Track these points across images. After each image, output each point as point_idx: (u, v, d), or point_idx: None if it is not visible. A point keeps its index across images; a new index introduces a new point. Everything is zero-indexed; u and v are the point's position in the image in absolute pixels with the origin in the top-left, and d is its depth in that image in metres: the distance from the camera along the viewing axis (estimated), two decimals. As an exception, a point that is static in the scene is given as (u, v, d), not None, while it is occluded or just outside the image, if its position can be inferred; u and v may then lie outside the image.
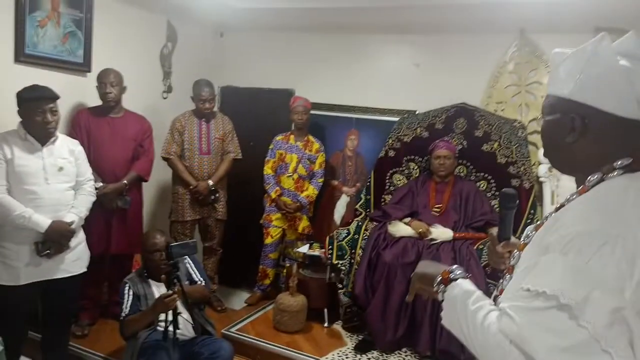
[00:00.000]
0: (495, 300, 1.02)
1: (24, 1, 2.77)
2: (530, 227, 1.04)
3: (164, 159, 3.49)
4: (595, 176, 0.93)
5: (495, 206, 3.16)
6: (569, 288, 0.79)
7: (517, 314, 0.84)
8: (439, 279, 1.03)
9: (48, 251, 2.37)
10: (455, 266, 1.04)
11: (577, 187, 0.99)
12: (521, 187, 3.13)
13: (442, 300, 1.01)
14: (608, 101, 0.90)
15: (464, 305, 0.94)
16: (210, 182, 3.47)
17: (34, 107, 2.33)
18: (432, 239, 2.94)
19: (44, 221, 2.32)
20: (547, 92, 1.01)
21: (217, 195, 3.52)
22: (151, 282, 2.56)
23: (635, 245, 0.80)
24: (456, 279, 1.01)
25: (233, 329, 3.05)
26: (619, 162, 0.91)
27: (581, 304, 0.78)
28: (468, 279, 1.01)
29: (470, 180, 3.32)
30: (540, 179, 3.22)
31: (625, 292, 0.78)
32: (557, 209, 1.00)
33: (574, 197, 0.98)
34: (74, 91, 3.11)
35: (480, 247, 2.85)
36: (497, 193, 3.25)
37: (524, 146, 3.19)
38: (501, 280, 1.06)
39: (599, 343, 0.76)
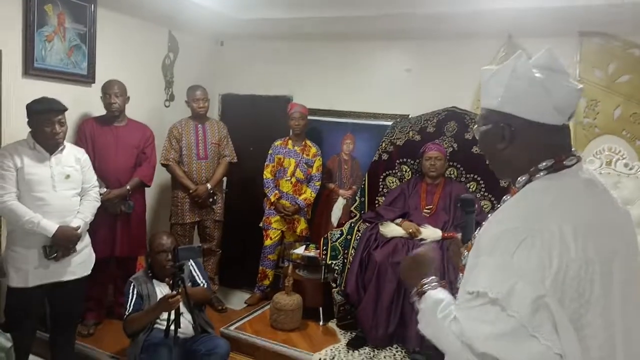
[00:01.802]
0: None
1: (32, 18, 2.93)
2: (478, 230, 1.13)
3: (163, 165, 3.63)
4: (523, 178, 1.04)
5: (485, 207, 3.26)
6: (496, 283, 0.91)
7: (460, 313, 0.97)
8: (414, 290, 1.15)
9: (55, 254, 2.51)
10: (431, 278, 1.14)
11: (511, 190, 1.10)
12: (510, 187, 3.22)
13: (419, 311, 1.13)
14: (529, 110, 1.02)
15: (433, 315, 1.05)
16: (209, 186, 3.63)
17: (43, 118, 2.47)
18: (422, 239, 3.05)
19: (51, 226, 2.46)
20: (481, 106, 1.13)
21: (215, 197, 3.68)
22: (155, 282, 2.68)
23: (552, 238, 0.90)
24: (426, 291, 1.12)
25: (231, 328, 3.17)
26: (543, 164, 1.01)
27: (507, 296, 0.89)
28: (439, 288, 1.12)
29: (460, 182, 3.43)
30: (528, 180, 3.30)
31: (546, 281, 0.88)
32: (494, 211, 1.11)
33: (507, 198, 1.10)
34: (79, 101, 3.26)
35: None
36: (487, 194, 3.36)
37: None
38: (458, 279, 1.17)
39: (526, 329, 0.87)
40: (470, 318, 0.94)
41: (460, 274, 1.15)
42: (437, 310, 1.04)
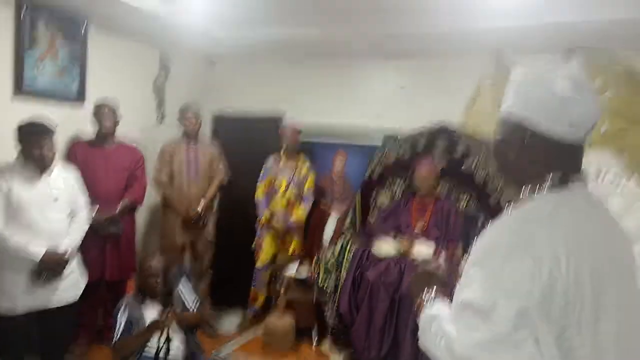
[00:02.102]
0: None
1: (23, 38, 2.93)
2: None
3: (154, 185, 3.61)
4: (526, 192, 1.03)
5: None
6: (482, 295, 0.92)
7: (450, 324, 0.99)
8: (415, 307, 1.17)
9: (43, 279, 2.47)
10: (428, 293, 1.16)
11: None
12: (499, 205, 3.24)
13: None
14: (544, 122, 0.99)
15: (428, 330, 1.07)
16: (199, 207, 3.60)
17: (32, 140, 2.45)
18: (414, 260, 3.03)
19: (38, 250, 2.43)
20: (501, 108, 1.09)
21: (206, 218, 3.65)
22: (145, 305, 2.63)
23: (544, 253, 0.90)
24: (425, 308, 1.14)
25: (223, 353, 3.11)
26: (549, 180, 1.00)
27: (490, 308, 0.90)
28: (435, 303, 1.13)
29: (451, 199, 3.44)
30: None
31: (534, 294, 0.88)
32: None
33: (506, 211, 1.07)
34: (70, 122, 3.25)
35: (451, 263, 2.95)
36: (478, 210, 3.37)
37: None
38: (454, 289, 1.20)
39: (507, 342, 0.88)
40: (458, 326, 0.96)
41: (458, 282, 1.16)
42: (431, 325, 1.06)
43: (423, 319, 1.11)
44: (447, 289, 1.19)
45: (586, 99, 0.99)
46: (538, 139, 1.00)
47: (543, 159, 1.02)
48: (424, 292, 1.18)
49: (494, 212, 3.09)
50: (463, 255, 1.35)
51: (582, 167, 1.05)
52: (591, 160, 3.23)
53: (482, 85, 3.63)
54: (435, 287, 1.19)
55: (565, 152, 1.01)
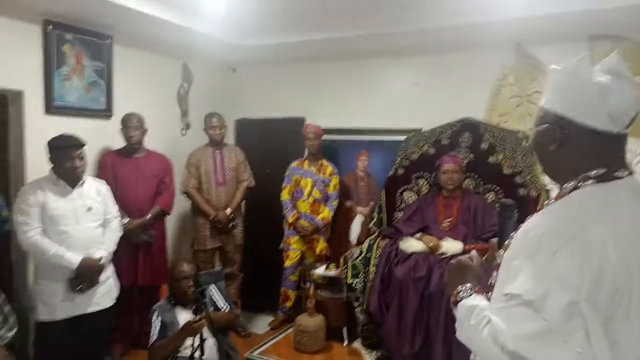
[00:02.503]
0: (486, 296, 1.15)
1: (51, 59, 3.06)
2: (514, 232, 1.13)
3: (183, 192, 3.70)
4: (571, 184, 1.03)
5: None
6: (532, 286, 0.91)
7: (497, 315, 0.98)
8: (452, 299, 1.16)
9: (81, 286, 2.57)
10: (465, 286, 1.14)
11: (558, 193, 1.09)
12: (528, 196, 3.18)
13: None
14: (582, 114, 1.00)
15: (468, 322, 1.05)
16: (228, 211, 3.66)
17: (63, 154, 2.56)
18: (442, 253, 3.01)
19: (75, 259, 2.53)
20: (540, 104, 1.12)
21: (235, 222, 3.71)
22: (178, 309, 2.70)
23: (593, 244, 0.90)
24: (462, 299, 1.12)
25: (255, 352, 3.16)
26: (593, 172, 1.00)
27: (541, 300, 0.89)
28: (473, 295, 1.12)
29: (478, 193, 3.39)
30: (547, 187, 3.25)
31: (583, 286, 0.88)
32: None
33: (550, 203, 1.09)
34: (99, 135, 3.37)
35: (487, 257, 2.90)
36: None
37: (528, 156, 3.25)
38: (492, 278, 1.17)
39: (557, 334, 0.87)
40: (505, 318, 0.95)
41: (495, 272, 1.15)
42: (470, 316, 1.05)
43: (461, 311, 1.10)
44: (482, 281, 1.18)
45: (624, 89, 0.99)
46: (578, 131, 1.01)
47: (585, 151, 1.02)
48: (459, 284, 1.17)
49: (524, 205, 3.04)
50: (499, 248, 1.33)
51: (626, 157, 1.04)
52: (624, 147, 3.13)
53: (505, 77, 3.57)
54: (470, 279, 1.18)
55: (607, 144, 1.01)
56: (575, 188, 1.02)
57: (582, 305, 0.87)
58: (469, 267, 1.22)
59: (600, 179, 1.00)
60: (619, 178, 1.00)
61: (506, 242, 1.16)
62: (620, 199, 0.98)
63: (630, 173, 1.02)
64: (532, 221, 1.04)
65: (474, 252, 1.29)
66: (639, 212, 0.98)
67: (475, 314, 1.04)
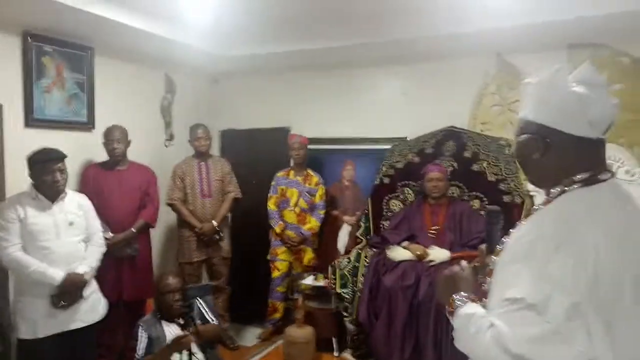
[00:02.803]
0: (480, 301, 1.16)
1: (31, 70, 3.00)
2: (506, 237, 1.17)
3: (168, 204, 3.65)
4: (557, 189, 1.07)
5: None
6: (533, 290, 0.93)
7: (499, 320, 0.98)
8: (447, 310, 1.16)
9: (63, 303, 2.50)
10: (459, 295, 1.15)
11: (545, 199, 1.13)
12: (513, 203, 3.23)
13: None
14: (564, 123, 1.05)
15: (467, 330, 1.06)
16: (215, 223, 3.62)
17: (43, 168, 2.49)
18: (430, 261, 3.02)
19: (58, 274, 2.46)
20: (519, 116, 1.17)
21: (221, 234, 3.67)
22: (164, 323, 2.65)
23: (586, 245, 0.93)
24: (457, 308, 1.13)
25: (245, 365, 3.12)
26: (578, 177, 1.04)
27: (543, 302, 0.91)
28: (468, 302, 1.13)
29: (464, 200, 3.42)
30: (531, 193, 3.30)
31: (581, 287, 0.90)
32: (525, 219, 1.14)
33: (539, 208, 1.12)
34: (81, 148, 3.31)
35: (477, 264, 2.92)
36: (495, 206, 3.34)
37: (511, 163, 3.30)
38: (484, 284, 1.19)
39: (560, 335, 0.89)
40: (508, 322, 0.96)
41: (487, 279, 1.17)
42: (469, 324, 1.05)
43: (459, 320, 1.10)
44: (474, 289, 1.18)
45: (601, 97, 1.04)
46: (561, 139, 1.05)
47: (568, 157, 1.06)
48: (452, 294, 1.17)
49: (509, 211, 3.08)
50: (488, 254, 1.34)
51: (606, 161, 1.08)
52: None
53: (486, 86, 3.63)
54: (463, 288, 1.18)
55: (588, 149, 1.05)
56: (562, 192, 1.06)
57: (583, 306, 0.89)
58: (461, 277, 1.23)
59: (585, 183, 1.04)
60: (603, 180, 1.04)
61: (497, 247, 1.17)
62: (607, 200, 1.02)
63: (612, 175, 1.06)
64: (524, 227, 1.06)
65: (464, 262, 1.29)
66: (625, 212, 1.02)
67: (474, 321, 1.05)
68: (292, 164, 3.91)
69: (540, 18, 2.91)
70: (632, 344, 0.92)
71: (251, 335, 3.91)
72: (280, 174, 3.91)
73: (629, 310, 0.92)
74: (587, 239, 0.93)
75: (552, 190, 1.08)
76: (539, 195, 3.32)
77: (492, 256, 1.18)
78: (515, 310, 0.95)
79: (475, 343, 1.03)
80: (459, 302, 1.14)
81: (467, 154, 3.48)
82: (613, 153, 3.16)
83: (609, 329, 0.90)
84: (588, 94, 1.02)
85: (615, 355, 0.91)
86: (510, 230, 1.16)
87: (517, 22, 2.98)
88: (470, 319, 1.07)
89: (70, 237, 2.59)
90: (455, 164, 3.50)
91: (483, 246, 1.38)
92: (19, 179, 2.69)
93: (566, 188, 1.05)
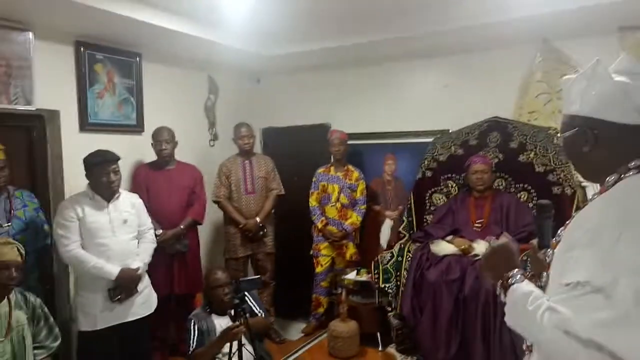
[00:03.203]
0: None
1: (84, 78, 3.18)
2: (561, 229, 1.16)
3: (214, 202, 3.77)
4: (613, 177, 1.06)
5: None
6: (600, 273, 0.92)
7: (561, 305, 0.96)
8: (499, 284, 1.14)
9: (119, 296, 2.65)
10: (515, 271, 1.12)
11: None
12: (563, 194, 3.11)
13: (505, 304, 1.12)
14: (610, 112, 1.06)
15: (523, 307, 1.04)
16: (258, 219, 3.71)
17: (99, 169, 2.64)
18: (475, 255, 2.96)
19: (114, 270, 2.61)
20: (562, 113, 1.18)
21: (265, 230, 3.76)
22: (214, 316, 2.75)
23: None
24: (514, 284, 1.10)
25: (290, 359, 3.18)
26: (632, 163, 1.04)
27: (612, 285, 0.90)
28: (526, 280, 1.10)
29: (510, 193, 3.33)
30: (582, 184, 3.17)
31: None
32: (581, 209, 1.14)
33: (595, 197, 1.11)
34: (131, 150, 3.47)
35: (524, 257, 2.84)
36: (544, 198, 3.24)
37: (561, 153, 3.18)
38: (542, 278, 1.18)
39: (630, 318, 0.88)
40: (575, 307, 0.93)
41: (544, 273, 1.16)
42: (527, 302, 1.03)
43: (515, 295, 1.08)
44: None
45: None
46: (609, 129, 1.06)
47: (618, 146, 1.06)
48: (504, 269, 1.14)
49: (559, 203, 2.97)
50: (540, 248, 1.32)
51: None
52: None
53: (532, 74, 3.50)
54: (514, 260, 1.16)
55: (637, 136, 1.05)
56: (619, 179, 1.05)
57: None
58: (507, 251, 1.19)
59: (638, 168, 1.03)
60: None
61: (551, 241, 1.16)
62: None
63: None
64: (583, 215, 1.06)
65: (505, 234, 1.27)
66: None
67: (532, 300, 1.02)
68: (332, 160, 3.93)
69: (587, 1, 2.78)
70: None
71: (295, 330, 3.97)
72: (321, 170, 3.94)
73: None
74: None
75: (607, 179, 1.07)
76: (590, 186, 3.18)
77: (549, 250, 1.16)
78: (580, 295, 0.93)
79: (533, 323, 1.00)
80: (513, 278, 1.11)
81: (513, 145, 3.38)
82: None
83: None
84: (630, 82, 1.03)
85: None
86: (566, 222, 1.14)
87: (563, 7, 2.86)
88: (528, 296, 1.03)
89: (124, 234, 2.73)
90: (500, 156, 3.41)
91: (535, 241, 1.36)
92: (76, 181, 2.86)
93: (622, 175, 1.04)
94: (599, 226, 0.96)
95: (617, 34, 3.14)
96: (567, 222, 1.14)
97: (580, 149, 1.10)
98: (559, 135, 1.18)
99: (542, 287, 1.14)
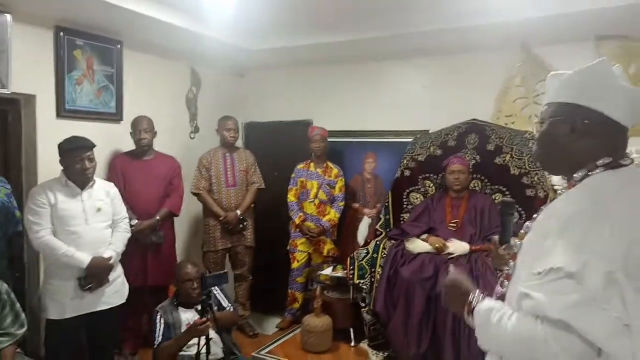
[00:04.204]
0: (501, 285, 1.23)
1: (63, 64, 3.13)
2: (527, 222, 1.21)
3: (194, 194, 3.75)
4: (580, 173, 1.10)
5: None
6: (572, 260, 0.97)
7: (535, 291, 1.01)
8: (465, 314, 1.18)
9: (90, 285, 2.62)
10: (473, 294, 1.18)
11: (566, 184, 1.16)
12: (536, 196, 3.17)
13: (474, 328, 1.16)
14: (609, 105, 1.09)
15: (488, 324, 1.09)
16: (238, 212, 3.70)
17: (74, 156, 2.61)
18: (449, 254, 3.00)
19: (85, 258, 2.57)
20: (549, 101, 1.19)
21: (245, 223, 3.75)
22: (181, 309, 2.74)
23: (620, 219, 0.98)
24: (476, 305, 1.15)
25: (263, 352, 3.18)
26: (601, 161, 1.09)
27: (581, 271, 0.95)
28: (485, 299, 1.16)
29: (485, 194, 3.38)
30: (555, 187, 3.23)
31: (616, 257, 0.95)
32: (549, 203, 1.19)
33: (563, 191, 1.16)
34: (109, 138, 3.43)
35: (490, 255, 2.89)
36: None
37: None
38: (507, 268, 1.24)
39: (597, 301, 0.93)
40: (547, 291, 0.98)
41: (511, 262, 1.21)
42: (489, 317, 1.08)
43: (479, 316, 1.12)
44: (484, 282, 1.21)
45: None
46: (600, 121, 1.09)
47: (599, 140, 1.10)
48: (462, 297, 1.19)
49: (532, 205, 3.02)
50: (500, 244, 1.38)
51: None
52: (632, 148, 3.11)
53: (511, 79, 3.56)
54: (467, 286, 1.22)
55: (618, 135, 1.10)
56: (586, 176, 1.09)
57: (617, 274, 0.94)
58: (461, 280, 1.26)
59: (607, 167, 1.08)
60: (624, 165, 1.09)
61: (521, 231, 1.20)
62: (634, 180, 1.07)
63: (632, 161, 1.11)
64: (552, 207, 1.11)
65: (451, 267, 1.34)
66: None
67: (494, 313, 1.08)
68: (312, 156, 3.94)
69: (566, 9, 2.84)
70: None
71: (271, 325, 3.98)
72: (300, 166, 3.95)
73: None
74: (621, 213, 0.98)
75: (574, 175, 1.11)
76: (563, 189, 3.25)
77: (517, 241, 1.21)
78: (553, 280, 0.98)
79: (501, 331, 1.05)
80: (475, 301, 1.16)
81: (490, 147, 3.43)
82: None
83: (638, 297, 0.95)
84: (629, 84, 1.10)
85: None
86: (534, 215, 1.19)
87: (543, 13, 2.91)
88: (490, 312, 1.09)
89: (97, 222, 2.70)
90: (477, 157, 3.46)
91: (496, 237, 1.40)
92: (50, 167, 2.82)
93: (589, 172, 1.09)
94: (571, 218, 1.01)
95: (593, 42, 3.21)
96: (535, 215, 1.18)
97: (560, 137, 1.13)
98: (543, 121, 1.19)
99: (510, 275, 1.20)
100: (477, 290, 1.18)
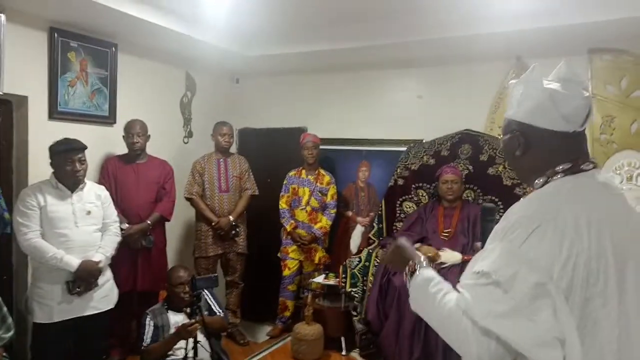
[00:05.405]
0: None
1: (56, 65, 3.10)
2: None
3: (187, 199, 3.72)
4: (541, 179, 1.10)
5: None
6: (501, 267, 0.96)
7: (467, 290, 1.02)
8: (406, 270, 1.22)
9: (78, 289, 2.57)
10: (420, 257, 1.22)
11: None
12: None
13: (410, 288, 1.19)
14: (539, 119, 1.09)
15: (425, 289, 1.11)
16: (231, 218, 3.68)
17: (64, 158, 2.58)
18: (441, 263, 3.00)
19: (74, 261, 2.54)
20: (505, 115, 1.21)
21: (238, 230, 3.73)
22: (170, 313, 2.72)
23: (565, 226, 0.95)
24: (419, 269, 1.18)
25: (253, 360, 3.15)
26: (560, 167, 1.08)
27: (510, 280, 0.94)
28: (430, 268, 1.18)
29: (478, 204, 3.39)
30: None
31: (554, 268, 0.92)
32: None
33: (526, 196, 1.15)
34: (102, 141, 3.40)
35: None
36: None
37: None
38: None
39: (524, 313, 0.92)
40: (476, 295, 0.99)
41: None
42: (428, 286, 1.11)
43: (418, 280, 1.15)
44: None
45: (573, 92, 1.07)
46: (540, 134, 1.09)
47: (548, 151, 1.10)
48: (404, 261, 1.23)
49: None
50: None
51: (589, 153, 1.13)
52: (623, 161, 3.15)
53: (504, 90, 3.59)
54: (411, 255, 1.24)
55: (567, 142, 1.09)
56: (546, 182, 1.09)
57: (549, 286, 0.91)
58: (408, 246, 1.29)
59: (567, 172, 1.07)
60: (585, 170, 1.07)
61: None
62: (589, 186, 1.06)
63: (595, 166, 1.09)
64: (509, 210, 1.10)
65: (402, 237, 1.36)
66: (608, 198, 1.06)
67: (434, 284, 1.10)
68: (304, 163, 3.93)
69: (560, 22, 2.88)
70: (614, 326, 0.93)
71: (262, 333, 3.94)
72: (292, 173, 3.94)
73: (612, 291, 0.93)
74: (568, 219, 0.96)
75: (535, 182, 1.11)
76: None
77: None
78: (482, 285, 0.98)
79: (435, 304, 1.07)
80: (419, 265, 1.18)
81: (483, 158, 3.45)
82: (633, 160, 3.10)
83: (589, 310, 0.92)
84: (560, 90, 1.06)
85: (595, 337, 0.92)
86: None
87: (537, 26, 2.95)
88: (430, 281, 1.12)
89: (87, 226, 2.66)
90: (470, 167, 3.48)
91: (479, 244, 1.41)
92: (41, 169, 2.79)
93: (549, 178, 1.08)
94: (515, 223, 1.00)
95: (586, 55, 3.26)
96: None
97: (513, 152, 1.14)
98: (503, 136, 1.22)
99: None
100: (424, 257, 1.21)
